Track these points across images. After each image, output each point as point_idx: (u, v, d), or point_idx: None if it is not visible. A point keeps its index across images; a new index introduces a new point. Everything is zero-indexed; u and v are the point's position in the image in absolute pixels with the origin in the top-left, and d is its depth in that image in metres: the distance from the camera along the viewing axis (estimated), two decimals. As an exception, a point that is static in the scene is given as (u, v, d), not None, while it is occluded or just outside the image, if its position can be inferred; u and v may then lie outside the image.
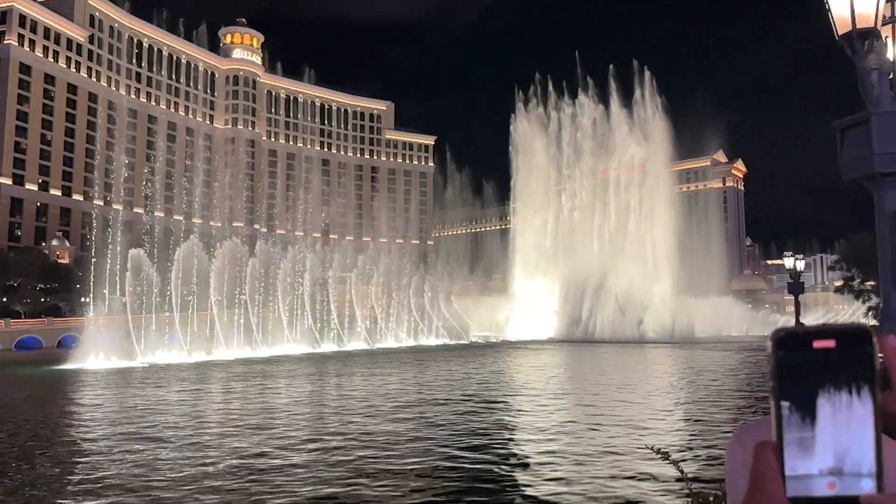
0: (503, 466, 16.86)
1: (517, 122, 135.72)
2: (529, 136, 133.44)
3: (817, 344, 0.89)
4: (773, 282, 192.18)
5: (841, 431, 0.86)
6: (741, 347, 73.67)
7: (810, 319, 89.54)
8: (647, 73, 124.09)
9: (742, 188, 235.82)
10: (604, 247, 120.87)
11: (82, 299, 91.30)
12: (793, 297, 38.52)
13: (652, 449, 8.19)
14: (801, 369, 0.90)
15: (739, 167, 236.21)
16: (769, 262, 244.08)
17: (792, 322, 39.95)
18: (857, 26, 6.98)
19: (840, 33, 7.17)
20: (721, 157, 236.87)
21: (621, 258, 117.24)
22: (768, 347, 0.91)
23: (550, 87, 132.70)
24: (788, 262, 38.22)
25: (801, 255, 39.82)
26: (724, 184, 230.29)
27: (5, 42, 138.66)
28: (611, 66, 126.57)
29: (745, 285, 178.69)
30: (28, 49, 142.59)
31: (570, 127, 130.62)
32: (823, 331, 0.89)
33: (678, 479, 10.17)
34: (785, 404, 0.91)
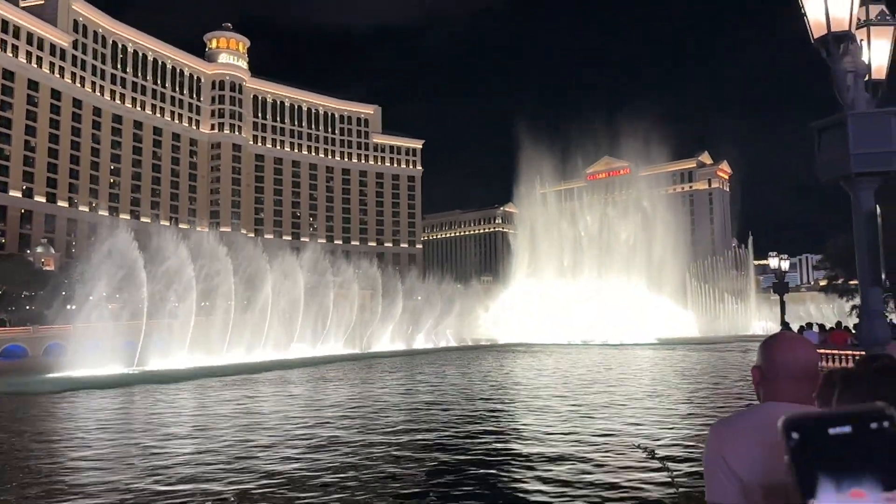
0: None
1: (521, 210, 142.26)
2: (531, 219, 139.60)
3: (833, 431, 0.82)
4: (760, 282, 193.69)
5: None
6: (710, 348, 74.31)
7: (794, 318, 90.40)
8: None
9: (728, 190, 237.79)
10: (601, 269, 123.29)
11: (68, 307, 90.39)
12: (778, 297, 38.93)
13: (640, 447, 8.31)
14: (818, 459, 0.82)
15: (725, 169, 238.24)
16: (755, 262, 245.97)
17: (778, 324, 40.42)
18: (832, 29, 7.16)
19: (815, 37, 7.34)
20: (706, 158, 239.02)
21: (613, 272, 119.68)
22: (779, 434, 0.83)
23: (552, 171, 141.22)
24: (773, 261, 38.66)
25: (786, 255, 40.26)
26: (709, 185, 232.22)
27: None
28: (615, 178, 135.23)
29: (731, 286, 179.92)
30: (11, 55, 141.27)
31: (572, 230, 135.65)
32: (838, 416, 0.82)
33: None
34: (808, 498, 0.83)
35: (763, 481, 2.23)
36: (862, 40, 8.09)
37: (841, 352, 19.60)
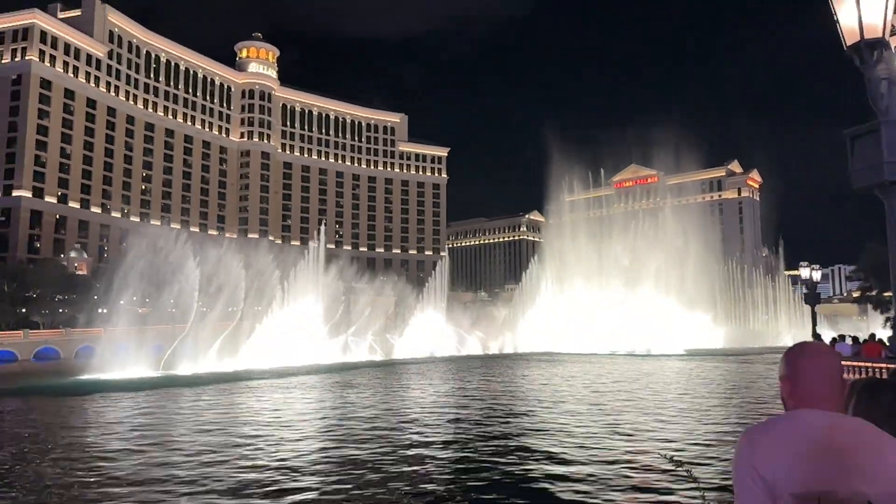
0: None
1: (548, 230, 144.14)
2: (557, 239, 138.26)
3: None
4: (791, 292, 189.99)
5: None
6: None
7: (826, 331, 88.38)
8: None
9: (758, 199, 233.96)
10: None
11: (99, 310, 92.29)
12: (809, 308, 38.16)
13: (665, 457, 8.23)
14: None
15: (755, 177, 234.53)
16: (787, 272, 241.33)
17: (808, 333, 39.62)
18: (866, 37, 7.06)
19: (848, 44, 7.24)
20: (736, 167, 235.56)
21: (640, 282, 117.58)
22: None
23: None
24: (805, 272, 37.92)
25: (818, 266, 39.49)
26: (739, 194, 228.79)
27: (27, 58, 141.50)
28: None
29: (762, 296, 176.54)
30: (48, 65, 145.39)
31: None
32: None
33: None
34: None
35: (794, 490, 2.21)
36: (896, 47, 7.95)
37: (875, 364, 19.12)
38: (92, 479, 16.88)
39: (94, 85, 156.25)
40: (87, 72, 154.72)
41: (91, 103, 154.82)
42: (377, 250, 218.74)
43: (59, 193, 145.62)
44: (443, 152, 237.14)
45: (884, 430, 2.34)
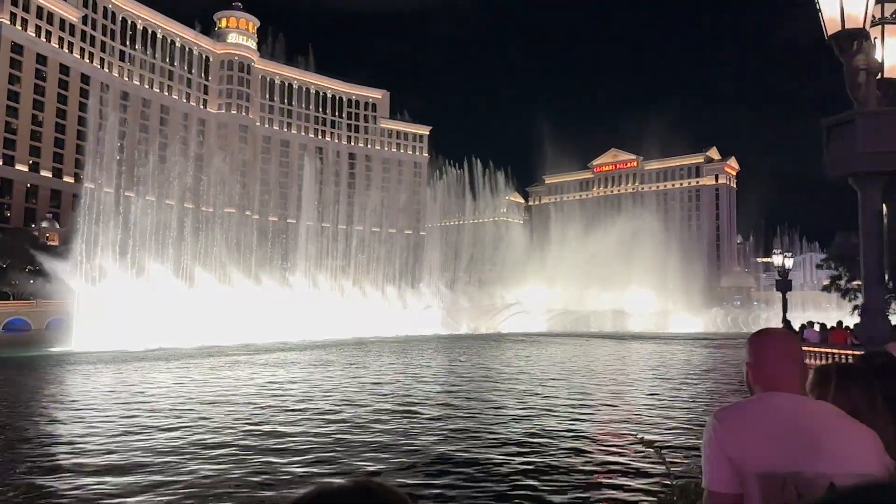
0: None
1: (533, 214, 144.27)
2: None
3: None
4: (762, 279, 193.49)
5: None
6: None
7: (797, 317, 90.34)
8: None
9: (735, 186, 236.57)
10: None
11: (71, 282, 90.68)
12: (780, 294, 38.92)
13: (639, 438, 8.36)
14: None
15: (732, 165, 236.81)
16: (759, 259, 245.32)
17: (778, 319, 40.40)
18: (847, 27, 7.09)
19: (830, 33, 7.28)
20: (714, 153, 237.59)
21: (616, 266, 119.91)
22: None
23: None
24: (777, 259, 38.63)
25: (790, 253, 40.26)
26: (716, 181, 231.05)
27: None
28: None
29: (734, 282, 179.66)
30: (20, 28, 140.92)
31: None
32: None
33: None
34: None
35: (760, 469, 2.27)
36: (876, 38, 8.02)
37: (841, 351, 19.59)
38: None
39: (67, 51, 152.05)
40: (60, 37, 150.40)
41: (64, 70, 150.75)
42: (357, 228, 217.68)
43: (31, 162, 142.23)
44: (424, 130, 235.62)
45: (865, 414, 2.41)
